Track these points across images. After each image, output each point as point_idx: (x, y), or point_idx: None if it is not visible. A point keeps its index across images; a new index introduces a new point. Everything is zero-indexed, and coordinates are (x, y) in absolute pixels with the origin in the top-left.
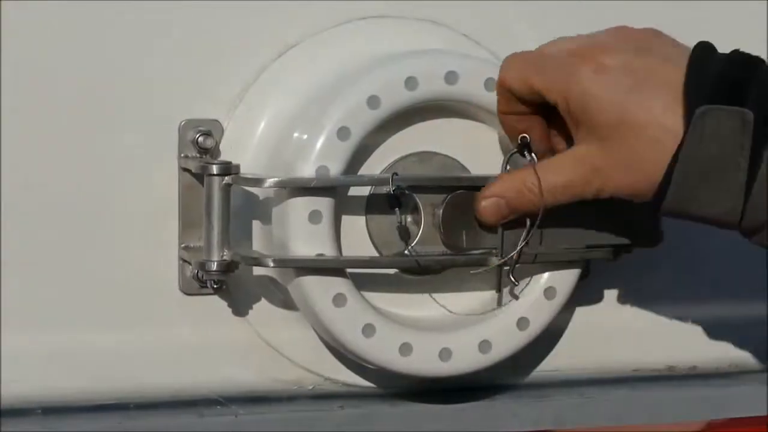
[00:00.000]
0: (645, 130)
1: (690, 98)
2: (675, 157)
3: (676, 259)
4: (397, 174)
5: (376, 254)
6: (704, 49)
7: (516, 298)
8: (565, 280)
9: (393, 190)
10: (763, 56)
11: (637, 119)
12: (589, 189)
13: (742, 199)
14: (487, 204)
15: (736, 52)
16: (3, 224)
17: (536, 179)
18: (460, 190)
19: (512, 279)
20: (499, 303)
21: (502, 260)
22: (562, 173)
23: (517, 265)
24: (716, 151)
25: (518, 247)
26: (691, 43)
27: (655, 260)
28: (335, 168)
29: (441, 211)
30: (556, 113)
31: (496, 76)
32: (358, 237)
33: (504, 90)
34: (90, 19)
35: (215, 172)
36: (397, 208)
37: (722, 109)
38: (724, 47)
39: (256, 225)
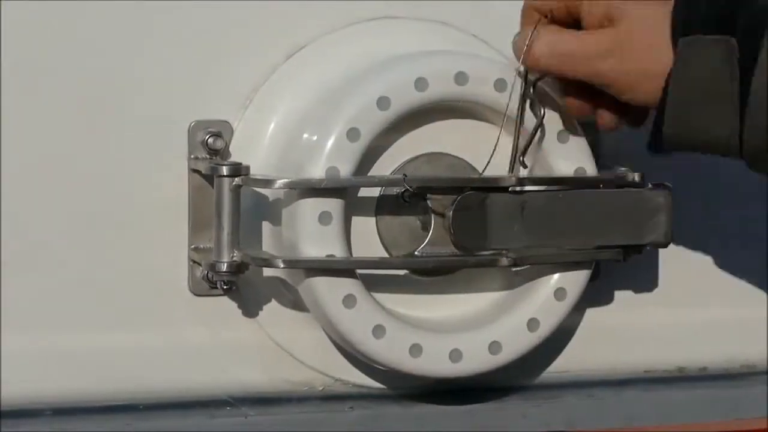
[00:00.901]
0: (649, 46)
1: (677, 25)
2: (667, 82)
3: (687, 261)
4: (406, 175)
5: (386, 255)
6: None
7: None
8: (575, 281)
9: (403, 192)
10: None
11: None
12: (587, 65)
13: (738, 123)
14: (514, 40)
15: None
16: (16, 227)
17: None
18: (470, 191)
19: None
20: None
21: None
22: (571, 42)
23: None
24: (706, 78)
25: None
26: None
27: (665, 261)
28: (345, 169)
29: (451, 212)
30: None
31: (505, 77)
32: (368, 238)
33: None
34: (100, 20)
35: (225, 173)
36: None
37: (706, 38)
38: None
39: (266, 226)
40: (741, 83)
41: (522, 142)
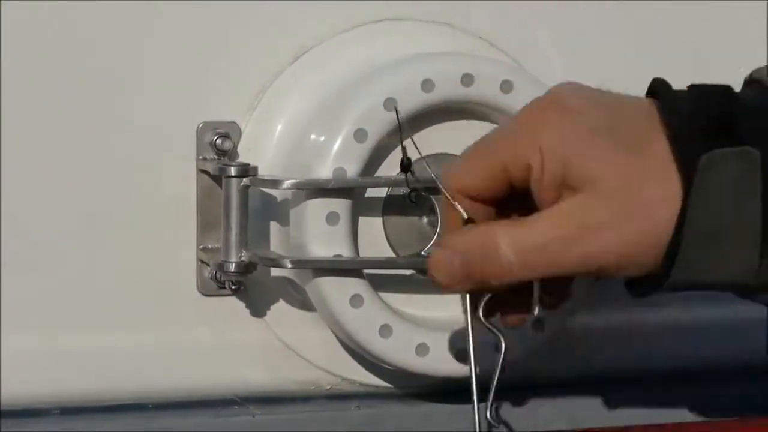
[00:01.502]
0: (642, 185)
1: (680, 145)
2: (681, 218)
3: None
4: (414, 175)
5: (393, 255)
6: (662, 85)
7: None
8: (578, 281)
9: (410, 192)
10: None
11: (626, 170)
12: (571, 253)
13: (758, 251)
14: (438, 259)
15: (694, 86)
16: (25, 226)
17: (502, 238)
18: None
19: (489, 418)
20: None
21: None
22: (538, 230)
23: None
24: (727, 202)
25: (494, 378)
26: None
27: None
28: (352, 169)
29: None
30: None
31: (512, 79)
32: (374, 238)
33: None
34: (108, 22)
35: (233, 174)
36: (419, 211)
37: (725, 152)
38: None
39: (273, 226)
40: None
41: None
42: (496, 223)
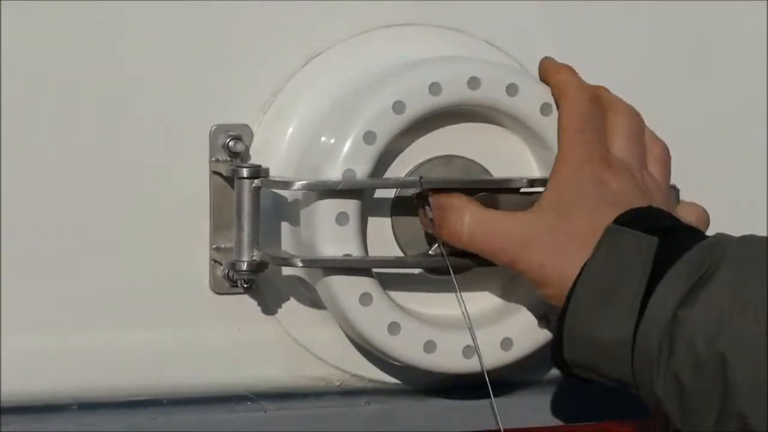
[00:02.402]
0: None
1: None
2: (580, 272)
3: None
4: (422, 177)
5: (401, 254)
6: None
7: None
8: None
9: (418, 192)
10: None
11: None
12: (505, 255)
13: (634, 322)
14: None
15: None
16: (48, 229)
17: (471, 211)
18: (483, 193)
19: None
20: None
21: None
22: (497, 219)
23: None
24: (616, 270)
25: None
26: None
27: None
28: (361, 171)
29: None
30: None
31: (517, 82)
32: (383, 238)
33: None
34: (123, 26)
35: (245, 176)
36: (428, 209)
37: (632, 232)
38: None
39: (284, 226)
40: (648, 284)
41: None
42: (476, 202)
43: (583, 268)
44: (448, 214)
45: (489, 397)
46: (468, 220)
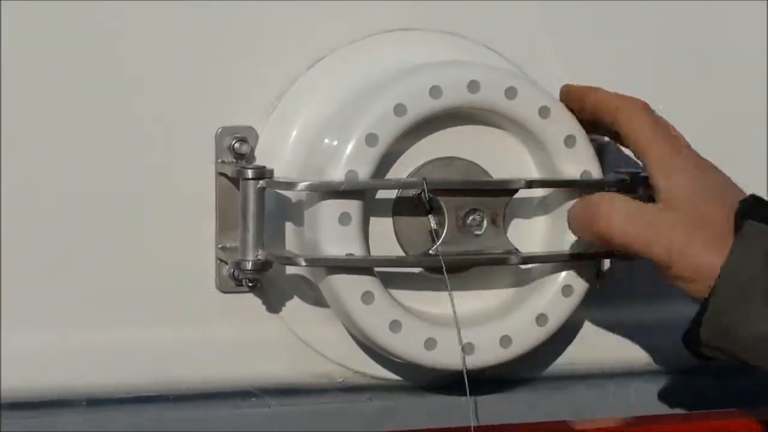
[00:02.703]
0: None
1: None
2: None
3: None
4: (425, 178)
5: (403, 254)
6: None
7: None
8: (581, 278)
9: (421, 194)
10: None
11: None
12: (660, 240)
13: None
14: (575, 205)
15: None
16: (56, 229)
17: (619, 203)
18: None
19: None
20: None
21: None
22: (648, 210)
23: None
24: (757, 268)
25: None
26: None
27: None
28: (364, 172)
29: (464, 212)
30: None
31: (515, 85)
32: (385, 237)
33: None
34: (133, 30)
35: (250, 177)
36: (429, 213)
37: (759, 225)
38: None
39: (288, 226)
40: None
41: None
42: (619, 195)
43: (727, 260)
44: (598, 210)
45: (490, 393)
46: (618, 212)
